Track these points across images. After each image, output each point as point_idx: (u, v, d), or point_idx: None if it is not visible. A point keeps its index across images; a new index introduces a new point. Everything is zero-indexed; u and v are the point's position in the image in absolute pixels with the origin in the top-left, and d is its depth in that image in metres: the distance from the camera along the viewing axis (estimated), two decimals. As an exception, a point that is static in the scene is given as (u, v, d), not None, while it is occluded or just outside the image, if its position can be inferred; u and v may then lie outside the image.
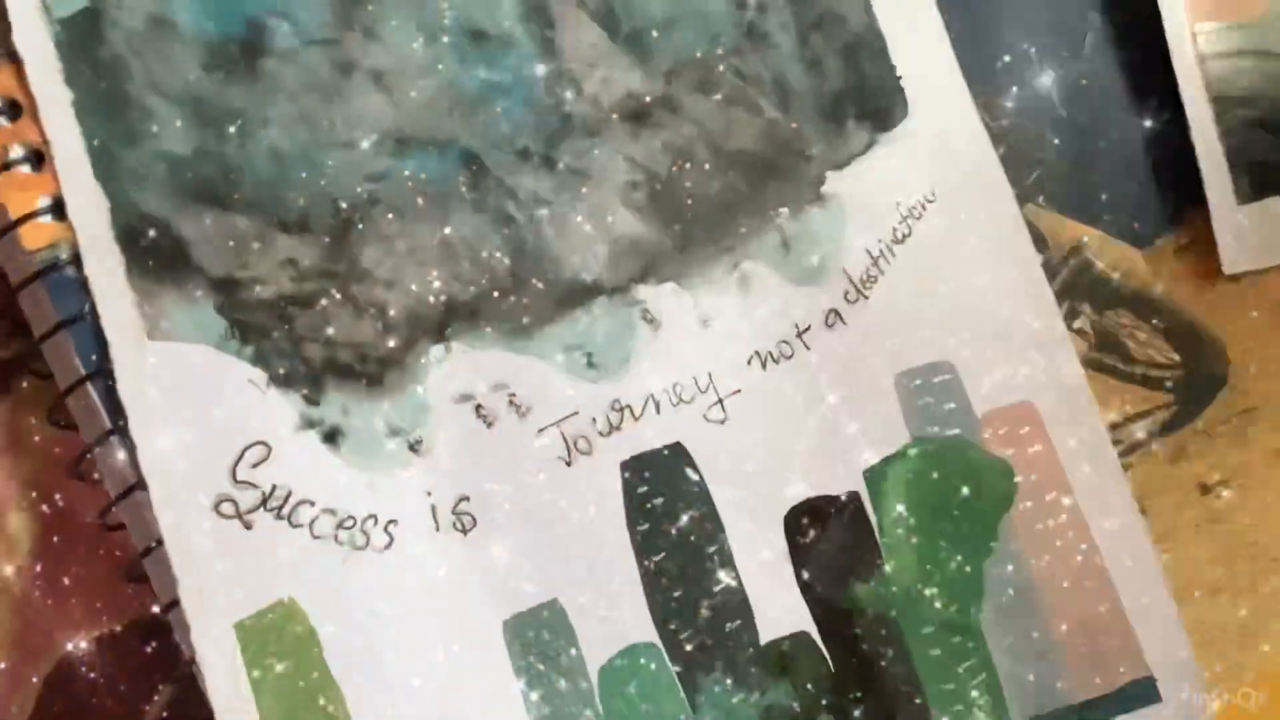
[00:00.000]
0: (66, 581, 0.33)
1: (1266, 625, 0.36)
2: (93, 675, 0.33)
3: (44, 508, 0.33)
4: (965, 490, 0.34)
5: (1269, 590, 0.36)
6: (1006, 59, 0.37)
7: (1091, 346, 0.36)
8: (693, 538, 0.33)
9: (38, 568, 0.33)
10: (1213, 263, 0.36)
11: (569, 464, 0.32)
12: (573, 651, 0.32)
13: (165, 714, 0.33)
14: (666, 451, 0.33)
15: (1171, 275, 0.37)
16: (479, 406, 0.32)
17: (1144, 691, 0.34)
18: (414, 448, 0.32)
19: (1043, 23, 0.37)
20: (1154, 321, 0.37)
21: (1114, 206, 0.37)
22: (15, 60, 0.31)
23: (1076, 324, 0.37)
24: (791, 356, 0.34)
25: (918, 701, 0.33)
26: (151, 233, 0.31)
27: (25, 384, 0.33)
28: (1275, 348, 0.37)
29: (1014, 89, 0.37)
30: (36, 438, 0.33)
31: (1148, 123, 0.38)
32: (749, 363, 0.34)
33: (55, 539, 0.33)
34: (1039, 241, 0.36)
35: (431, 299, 0.32)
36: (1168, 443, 0.36)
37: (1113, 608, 0.34)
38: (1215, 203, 0.36)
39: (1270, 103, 0.37)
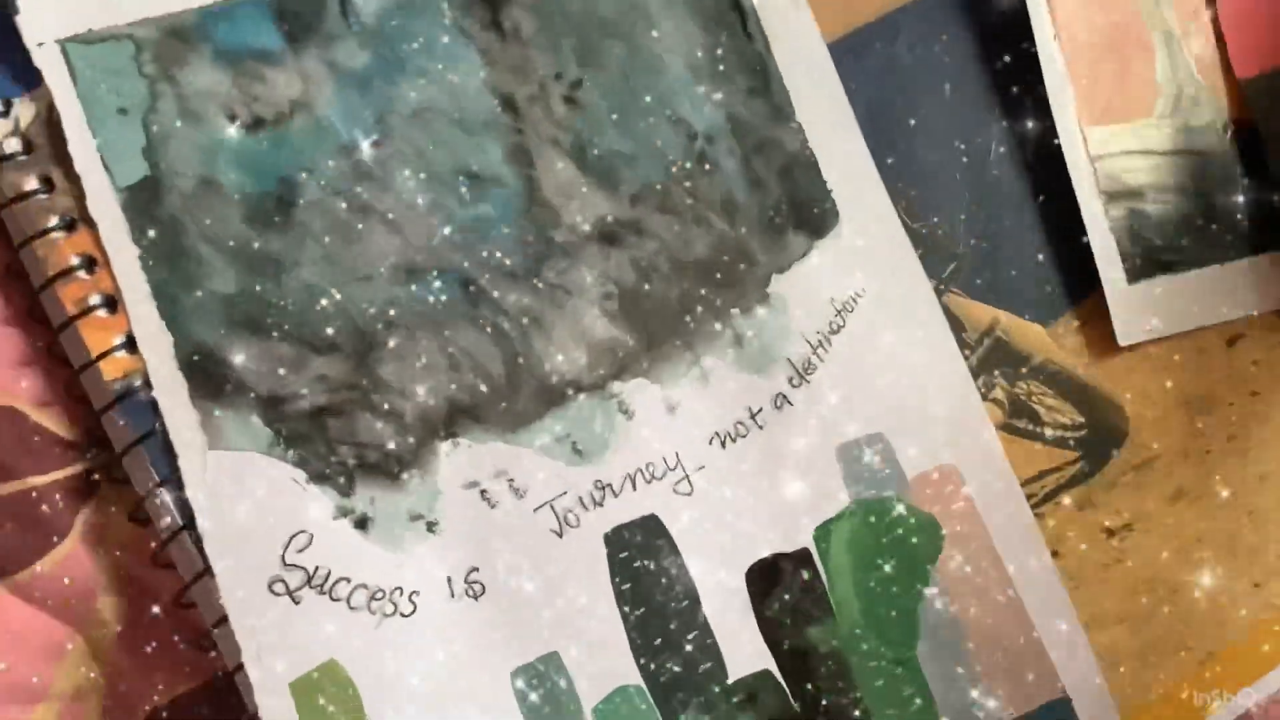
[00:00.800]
0: (149, 652, 0.36)
1: (1166, 647, 0.40)
2: (174, 730, 0.37)
3: (129, 591, 0.37)
4: (899, 544, 0.39)
5: (1166, 618, 0.40)
6: (921, 169, 0.41)
7: (1006, 414, 0.41)
8: (667, 593, 0.38)
9: (125, 641, 0.36)
10: (1108, 335, 0.41)
11: (560, 536, 0.37)
12: (570, 694, 0.36)
13: (235, 761, 0.36)
14: (643, 522, 0.38)
15: (1073, 348, 0.41)
16: (483, 491, 0.37)
17: (1060, 711, 0.39)
18: (431, 529, 0.36)
19: (953, 135, 0.42)
20: (1060, 389, 0.41)
21: (1021, 291, 0.41)
22: (91, 224, 0.35)
23: (992, 395, 0.41)
24: (747, 435, 0.39)
25: (865, 725, 0.38)
26: (208, 360, 0.35)
27: (108, 490, 0.37)
28: (1165, 406, 0.41)
29: (929, 195, 0.41)
30: (121, 533, 0.37)
31: (1047, 217, 0.42)
32: (710, 442, 0.39)
33: (139, 616, 0.37)
34: (956, 325, 0.41)
35: (440, 403, 0.37)
36: (1075, 494, 0.41)
37: (1029, 639, 0.39)
38: (1108, 284, 0.41)
39: (1155, 193, 0.42)
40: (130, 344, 0.35)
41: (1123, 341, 0.41)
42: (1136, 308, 0.41)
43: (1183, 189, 0.42)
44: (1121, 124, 0.41)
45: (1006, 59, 0.42)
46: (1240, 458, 0.42)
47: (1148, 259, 0.41)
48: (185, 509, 0.35)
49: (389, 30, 0.38)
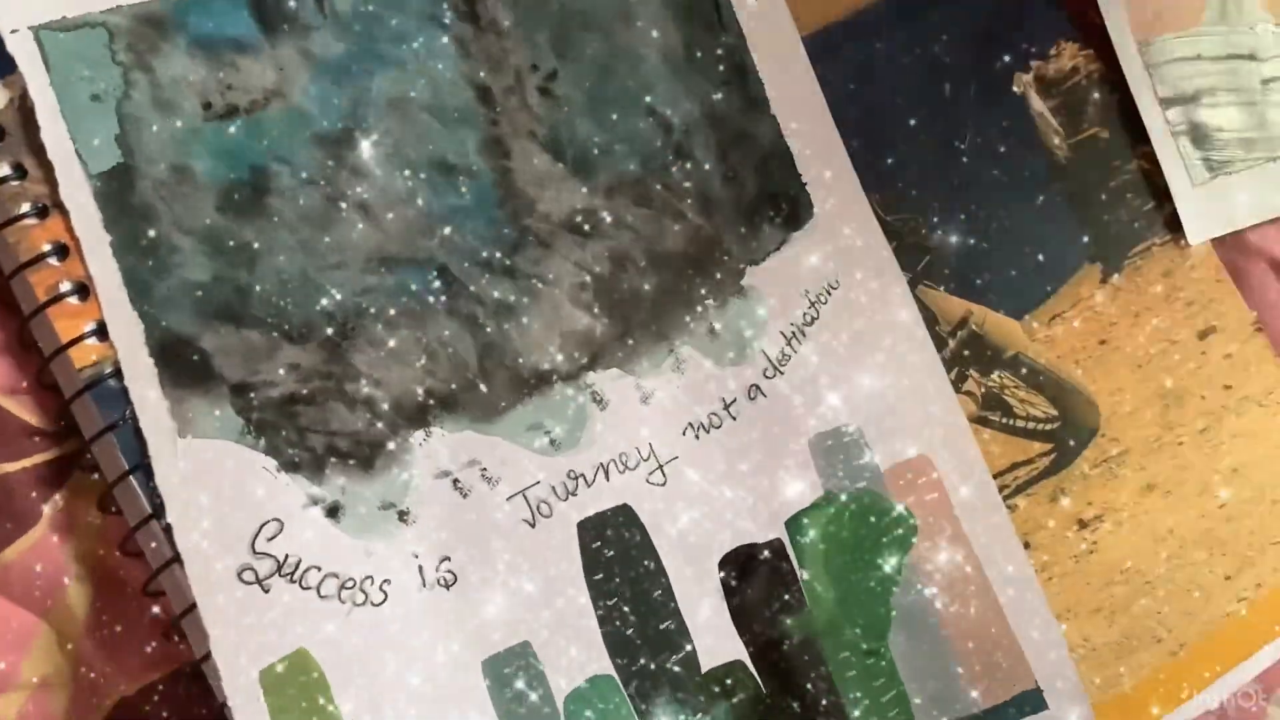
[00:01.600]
0: (118, 640, 0.36)
1: (1139, 638, 0.40)
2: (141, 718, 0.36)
3: (97, 579, 0.36)
4: (872, 535, 0.39)
5: (1139, 609, 0.41)
6: (894, 165, 0.41)
7: (979, 405, 0.41)
8: (640, 584, 0.37)
9: (94, 629, 0.36)
10: (1081, 329, 0.41)
11: (533, 525, 0.37)
12: (542, 683, 0.36)
13: (203, 751, 0.36)
14: (616, 512, 0.38)
15: (1046, 341, 0.42)
16: (456, 480, 0.37)
17: (1032, 701, 0.39)
18: (402, 518, 0.36)
19: (926, 133, 0.42)
20: (1032, 382, 0.42)
21: (994, 285, 0.41)
22: (63, 210, 0.35)
23: (965, 387, 0.41)
24: (721, 426, 0.39)
25: (838, 715, 0.38)
26: (179, 348, 0.35)
27: (78, 478, 0.36)
28: (1137, 400, 0.42)
29: (902, 189, 0.41)
30: (90, 521, 0.36)
31: (1026, 212, 0.42)
32: (684, 433, 0.39)
33: (108, 605, 0.36)
34: (930, 318, 0.41)
35: (413, 392, 0.37)
36: (1048, 485, 0.41)
37: (1002, 629, 0.39)
38: (1175, 188, 0.42)
39: (1209, 97, 0.42)
40: (101, 331, 0.35)
41: (1192, 241, 0.42)
42: (1202, 209, 0.42)
43: (1236, 91, 0.42)
44: (1173, 32, 0.42)
45: (1007, 58, 0.42)
46: (1212, 450, 0.42)
47: (1208, 161, 0.42)
48: (155, 497, 0.34)
49: (364, 20, 0.38)
